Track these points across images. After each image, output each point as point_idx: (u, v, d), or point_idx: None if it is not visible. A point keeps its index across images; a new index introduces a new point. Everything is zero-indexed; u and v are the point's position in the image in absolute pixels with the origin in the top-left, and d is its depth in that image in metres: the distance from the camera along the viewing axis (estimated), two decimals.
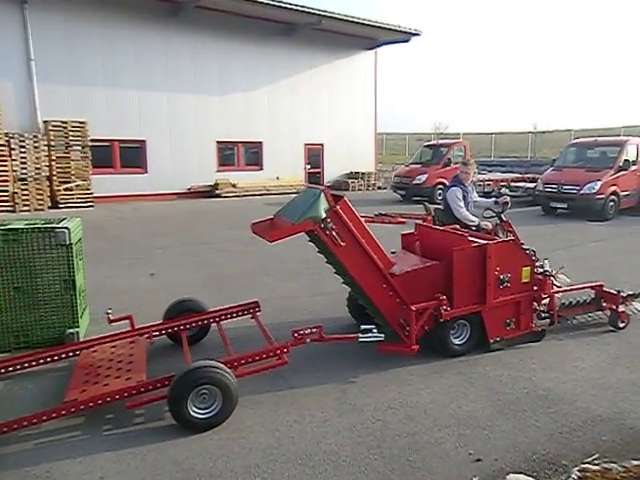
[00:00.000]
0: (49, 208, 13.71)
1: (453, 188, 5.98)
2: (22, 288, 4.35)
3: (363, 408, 3.48)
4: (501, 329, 4.43)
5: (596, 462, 2.79)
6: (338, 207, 3.73)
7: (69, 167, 14.31)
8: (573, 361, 4.24)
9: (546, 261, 4.83)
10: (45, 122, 14.16)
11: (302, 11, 17.25)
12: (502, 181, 16.75)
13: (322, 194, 3.69)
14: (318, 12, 17.57)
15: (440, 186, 16.39)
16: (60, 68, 14.61)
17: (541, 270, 4.69)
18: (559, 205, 13.05)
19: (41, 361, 3.90)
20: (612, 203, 12.60)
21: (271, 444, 3.06)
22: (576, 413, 3.41)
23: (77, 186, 14.38)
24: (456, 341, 4.32)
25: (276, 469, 2.83)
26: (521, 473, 2.69)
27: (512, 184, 15.92)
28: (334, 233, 3.70)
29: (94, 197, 14.61)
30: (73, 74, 14.85)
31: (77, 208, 13.88)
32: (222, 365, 3.32)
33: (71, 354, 4.00)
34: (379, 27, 19.43)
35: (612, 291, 5.05)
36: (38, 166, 13.59)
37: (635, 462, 2.70)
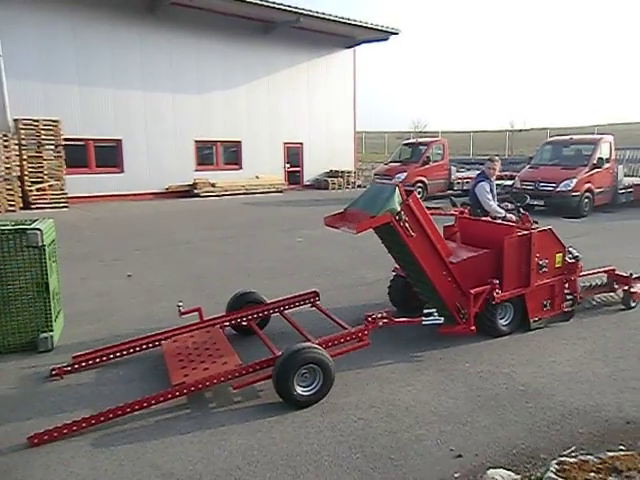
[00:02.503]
0: (21, 209, 13.34)
1: (482, 182, 6.26)
2: None
3: (344, 407, 3.47)
4: (540, 310, 4.91)
5: (573, 454, 2.82)
6: (410, 200, 4.02)
7: (41, 167, 13.94)
8: (550, 356, 4.31)
9: (571, 248, 5.14)
10: (15, 120, 13.76)
11: (280, 9, 17.15)
12: None
13: (397, 188, 4.00)
14: (296, 10, 17.50)
15: (419, 184, 16.51)
16: (31, 64, 14.20)
17: (570, 256, 5.06)
18: (536, 202, 13.28)
19: (124, 352, 4.16)
20: (587, 200, 12.86)
21: (252, 445, 3.03)
22: (554, 407, 3.46)
23: (50, 186, 14.03)
24: (502, 322, 4.75)
25: (257, 471, 2.79)
26: (501, 468, 2.71)
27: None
28: (407, 224, 4.01)
29: (68, 198, 14.28)
30: (45, 71, 14.47)
31: (50, 209, 13.55)
32: (320, 347, 3.57)
33: (151, 345, 4.26)
34: (357, 25, 19.44)
35: (623, 274, 5.52)
36: (8, 166, 13.18)
37: (610, 453, 2.74)
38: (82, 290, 6.22)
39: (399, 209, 3.96)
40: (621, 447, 2.93)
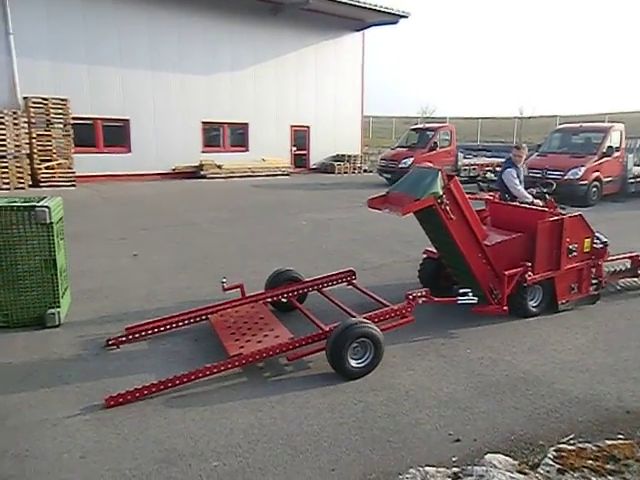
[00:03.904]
0: (30, 187, 13.39)
1: (508, 169, 6.48)
2: (1, 267, 4.26)
3: (345, 389, 3.50)
4: (567, 293, 5.08)
5: (572, 442, 2.85)
6: (451, 185, 4.17)
7: (50, 145, 13.95)
8: (552, 344, 4.32)
9: (598, 233, 5.25)
10: (25, 98, 13.76)
11: None
12: (487, 166, 16.81)
13: (439, 173, 4.14)
14: None
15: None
16: (40, 43, 14.13)
17: (598, 241, 5.21)
18: (543, 190, 13.18)
19: (174, 325, 4.32)
20: (595, 189, 12.74)
21: (253, 424, 3.07)
22: (554, 395, 3.48)
23: (59, 165, 14.07)
24: (532, 303, 4.91)
25: (257, 449, 2.84)
26: (499, 453, 2.73)
27: (497, 169, 15.98)
28: (447, 208, 4.17)
29: (76, 176, 14.30)
30: (54, 49, 14.39)
31: (59, 187, 13.59)
32: (370, 322, 3.75)
33: (198, 319, 4.40)
34: (367, 8, 19.12)
35: None
36: (18, 144, 13.20)
37: (609, 442, 2.76)
38: (89, 268, 6.28)
39: (441, 193, 4.10)
40: (620, 436, 2.95)
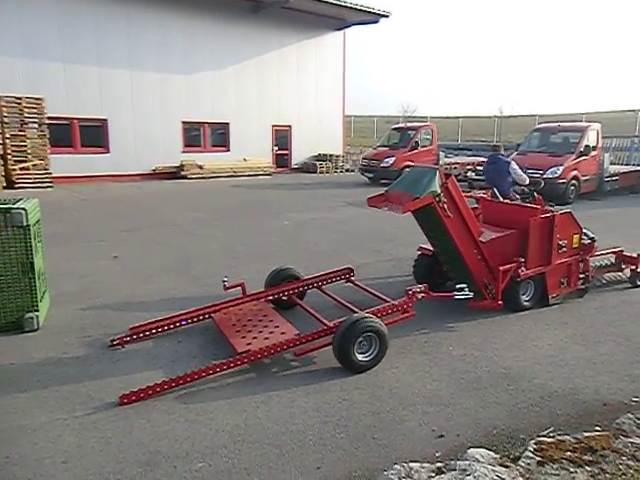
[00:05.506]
0: (4, 188, 13.06)
1: (512, 162, 7.57)
2: None
3: (329, 388, 3.52)
4: (558, 287, 5.25)
5: (551, 435, 2.91)
6: (449, 183, 4.28)
7: (25, 145, 13.65)
8: (532, 340, 4.40)
9: (585, 230, 5.43)
10: None
11: None
12: (468, 164, 17.00)
13: (437, 172, 4.26)
14: None
15: (408, 169, 16.46)
16: (13, 40, 13.83)
17: (586, 237, 5.41)
18: (531, 188, 13.41)
19: (177, 324, 4.35)
20: (573, 187, 12.98)
21: (238, 425, 3.07)
22: (534, 389, 3.54)
23: (34, 166, 13.78)
24: (524, 297, 5.08)
25: (243, 449, 2.84)
26: (482, 447, 2.78)
27: (478, 168, 16.18)
28: (445, 206, 4.27)
29: (53, 177, 14.02)
30: (28, 47, 14.10)
31: (35, 189, 13.31)
32: (375, 317, 3.83)
33: (202, 318, 4.45)
34: (348, 7, 19.17)
35: (631, 255, 5.91)
36: None
37: (586, 434, 2.83)
38: (67, 271, 6.18)
39: (439, 191, 4.21)
40: (597, 428, 3.02)
